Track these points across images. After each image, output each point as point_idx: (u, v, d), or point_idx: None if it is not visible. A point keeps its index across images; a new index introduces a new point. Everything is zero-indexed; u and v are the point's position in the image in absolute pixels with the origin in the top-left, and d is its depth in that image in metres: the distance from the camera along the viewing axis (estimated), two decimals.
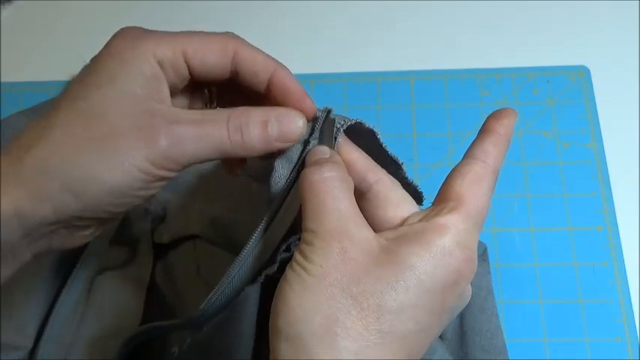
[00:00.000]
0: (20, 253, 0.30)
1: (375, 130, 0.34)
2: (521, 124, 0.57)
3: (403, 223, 0.31)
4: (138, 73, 0.30)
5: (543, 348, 0.49)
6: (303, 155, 0.32)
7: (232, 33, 0.33)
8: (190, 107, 0.35)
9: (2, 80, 0.63)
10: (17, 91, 0.62)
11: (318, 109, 0.34)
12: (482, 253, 0.48)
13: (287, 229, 0.34)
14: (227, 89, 0.34)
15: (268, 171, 0.33)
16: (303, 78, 0.62)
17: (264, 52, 0.34)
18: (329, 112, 0.34)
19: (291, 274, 0.28)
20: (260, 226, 0.33)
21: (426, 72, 0.61)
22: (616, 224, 0.53)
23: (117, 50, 0.30)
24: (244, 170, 0.38)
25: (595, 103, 0.58)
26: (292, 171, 0.33)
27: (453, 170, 0.32)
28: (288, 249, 0.34)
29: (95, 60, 0.31)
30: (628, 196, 0.54)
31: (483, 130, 0.33)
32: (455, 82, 0.60)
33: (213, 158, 0.31)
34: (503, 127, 0.32)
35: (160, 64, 0.30)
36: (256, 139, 0.31)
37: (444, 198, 0.31)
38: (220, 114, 0.30)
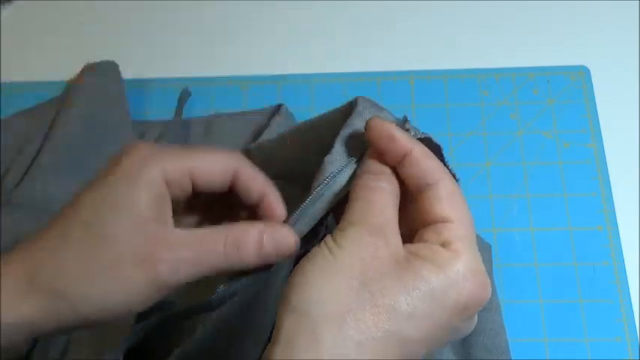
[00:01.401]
0: (19, 349, 0.34)
1: (441, 145, 0.35)
2: (521, 124, 0.57)
3: (425, 238, 0.32)
4: (147, 195, 0.31)
5: (543, 348, 0.49)
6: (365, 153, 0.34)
7: (237, 153, 0.36)
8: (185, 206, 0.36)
9: (2, 80, 0.63)
10: (17, 91, 0.62)
11: (397, 119, 0.36)
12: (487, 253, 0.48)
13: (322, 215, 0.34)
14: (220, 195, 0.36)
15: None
16: (303, 78, 0.62)
17: (261, 174, 0.35)
18: (406, 121, 0.35)
19: (319, 253, 0.29)
20: (305, 203, 0.34)
21: (426, 72, 0.61)
22: (616, 224, 0.53)
23: (128, 171, 0.32)
24: None
25: (595, 103, 0.58)
26: (344, 167, 0.34)
27: (423, 195, 0.32)
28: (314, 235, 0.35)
29: (106, 178, 0.32)
30: (628, 196, 0.54)
31: (396, 161, 0.32)
32: (455, 82, 0.60)
33: (208, 275, 0.32)
34: (402, 141, 0.32)
35: (168, 184, 0.32)
36: (252, 254, 0.32)
37: (428, 218, 0.31)
38: (218, 233, 0.32)
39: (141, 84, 0.62)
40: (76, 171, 0.55)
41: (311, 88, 0.61)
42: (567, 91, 0.59)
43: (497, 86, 0.59)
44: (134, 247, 0.30)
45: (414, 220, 0.32)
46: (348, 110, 0.37)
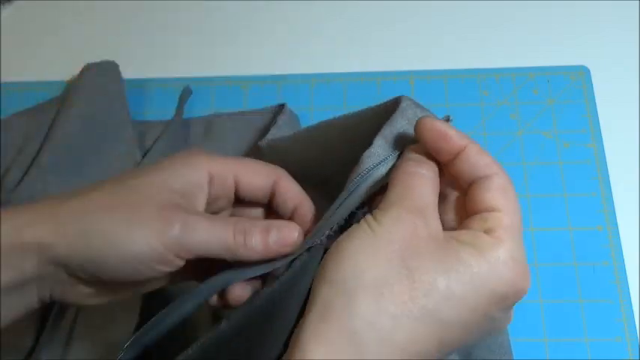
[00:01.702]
0: (25, 295, 0.33)
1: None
2: (521, 124, 0.57)
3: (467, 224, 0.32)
4: (185, 177, 0.35)
5: (543, 348, 0.49)
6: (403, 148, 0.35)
7: (277, 167, 0.38)
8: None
9: (2, 80, 0.63)
10: (17, 91, 0.62)
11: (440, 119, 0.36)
12: None
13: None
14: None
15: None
16: (303, 78, 0.62)
17: (299, 186, 0.38)
18: (449, 120, 0.36)
19: (357, 230, 0.30)
20: (342, 194, 0.34)
21: (426, 72, 0.61)
22: (616, 224, 0.53)
23: (178, 157, 0.36)
24: None
25: (595, 103, 0.58)
26: (384, 161, 0.35)
27: (474, 185, 0.32)
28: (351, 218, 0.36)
29: (156, 161, 0.37)
30: (628, 196, 0.54)
31: (454, 155, 0.33)
32: (455, 82, 0.60)
33: (218, 254, 0.34)
34: (456, 139, 0.32)
35: (210, 178, 0.36)
36: (257, 243, 0.34)
37: (477, 208, 0.31)
38: (230, 219, 0.35)
39: (141, 84, 0.62)
40: (76, 171, 0.55)
41: (311, 88, 0.61)
42: (567, 91, 0.59)
43: (497, 86, 0.59)
44: (158, 202, 0.33)
45: (457, 215, 0.33)
46: (386, 109, 0.37)
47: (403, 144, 0.35)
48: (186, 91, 0.60)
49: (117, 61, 0.60)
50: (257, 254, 0.34)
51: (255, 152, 0.52)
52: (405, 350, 0.28)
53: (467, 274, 0.29)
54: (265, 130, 0.58)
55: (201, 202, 0.36)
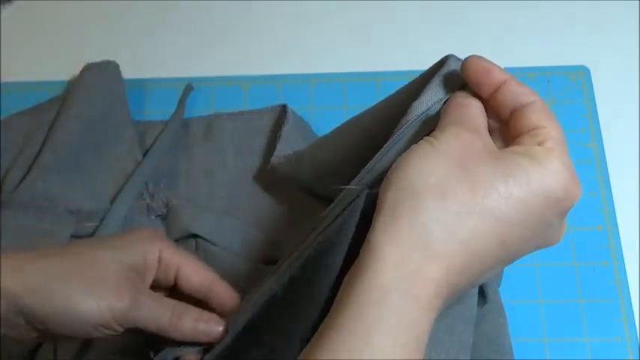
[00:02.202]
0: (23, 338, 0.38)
1: None
2: None
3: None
4: (142, 256, 0.40)
5: (543, 348, 0.49)
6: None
7: (214, 272, 0.43)
8: None
9: (2, 80, 0.63)
10: (17, 91, 0.62)
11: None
12: None
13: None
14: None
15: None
16: (303, 78, 0.62)
17: (233, 291, 0.43)
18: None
19: (417, 146, 0.32)
20: (388, 143, 0.36)
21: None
22: (616, 224, 0.53)
23: (139, 233, 0.42)
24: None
25: (595, 103, 0.58)
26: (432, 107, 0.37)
27: (518, 112, 0.34)
28: None
29: (112, 235, 0.43)
30: (628, 196, 0.54)
31: (494, 88, 0.35)
32: None
33: (152, 330, 0.39)
34: (498, 72, 0.35)
35: (160, 263, 0.41)
36: (188, 329, 0.40)
37: (524, 128, 0.34)
38: (169, 301, 0.41)
39: (141, 84, 0.62)
40: (77, 170, 0.55)
41: (311, 88, 0.61)
42: (567, 91, 0.59)
43: None
44: (113, 278, 0.38)
45: (503, 142, 0.35)
46: (424, 79, 0.40)
47: (450, 90, 0.37)
48: (188, 87, 0.60)
49: (117, 61, 0.60)
50: (185, 338, 0.40)
51: (270, 171, 0.54)
52: (469, 245, 0.30)
53: (523, 177, 0.31)
54: (265, 130, 0.58)
55: (148, 281, 0.41)
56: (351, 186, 0.37)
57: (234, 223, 0.53)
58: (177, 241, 0.53)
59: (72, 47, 0.65)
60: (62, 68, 0.63)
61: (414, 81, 0.42)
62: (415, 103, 0.37)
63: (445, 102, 0.36)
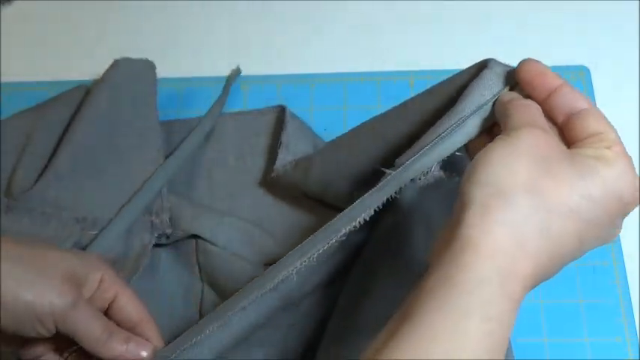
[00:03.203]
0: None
1: None
2: None
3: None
4: (87, 270, 0.42)
5: (543, 348, 0.49)
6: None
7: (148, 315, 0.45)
8: None
9: (2, 80, 0.63)
10: (17, 91, 0.62)
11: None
12: None
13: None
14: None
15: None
16: (304, 78, 0.62)
17: (157, 331, 0.44)
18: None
19: (496, 144, 0.33)
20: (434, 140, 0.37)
21: (426, 72, 0.61)
22: None
23: (91, 255, 0.46)
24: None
25: (595, 103, 0.58)
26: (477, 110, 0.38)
27: (575, 117, 0.35)
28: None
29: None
30: None
31: (549, 93, 0.36)
32: None
33: (81, 339, 0.40)
34: (553, 77, 0.36)
35: (101, 282, 0.42)
36: (116, 346, 0.41)
37: (584, 133, 0.35)
38: (103, 320, 0.41)
39: None
40: (94, 177, 0.53)
41: (311, 88, 0.61)
42: None
43: None
44: (61, 275, 0.39)
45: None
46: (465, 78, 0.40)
47: (497, 91, 0.38)
48: (234, 71, 0.60)
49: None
50: (111, 356, 0.41)
51: (274, 180, 0.54)
52: (555, 243, 0.31)
53: (599, 178, 0.32)
54: (266, 130, 0.58)
55: (87, 294, 0.42)
56: (394, 171, 0.38)
57: (234, 223, 0.53)
58: (177, 241, 0.53)
59: (72, 47, 0.65)
60: (62, 68, 0.63)
61: (447, 82, 0.43)
62: (462, 104, 0.38)
63: (494, 103, 0.37)
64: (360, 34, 0.64)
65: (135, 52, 0.60)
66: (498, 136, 0.34)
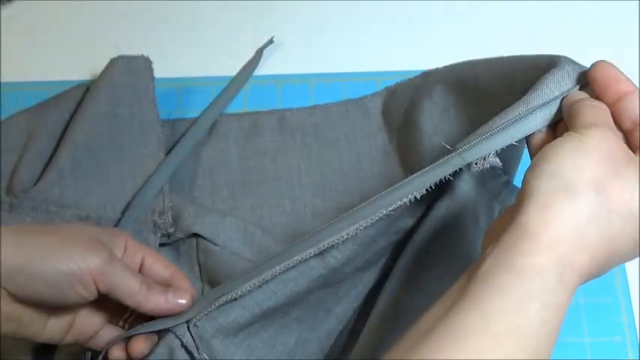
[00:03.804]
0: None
1: None
2: None
3: None
4: (110, 235, 0.42)
5: None
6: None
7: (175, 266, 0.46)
8: None
9: (2, 80, 0.63)
10: (17, 91, 0.62)
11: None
12: None
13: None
14: None
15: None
16: (303, 78, 0.62)
17: (190, 283, 0.45)
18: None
19: (566, 139, 0.33)
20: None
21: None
22: None
23: (108, 228, 0.49)
24: None
25: None
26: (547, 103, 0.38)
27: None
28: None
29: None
30: None
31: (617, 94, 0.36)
32: None
33: (122, 297, 0.40)
34: (626, 82, 0.36)
35: (126, 248, 0.43)
36: (156, 297, 0.41)
37: None
38: (139, 275, 0.42)
39: None
40: (96, 176, 0.53)
41: (311, 88, 0.61)
42: None
43: None
44: (88, 238, 0.40)
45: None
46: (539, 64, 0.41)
47: (568, 89, 0.38)
48: (267, 42, 0.62)
49: None
50: (154, 306, 0.41)
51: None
52: (613, 243, 0.32)
53: None
54: (268, 131, 0.58)
55: (118, 254, 0.43)
56: (459, 153, 0.38)
57: (235, 223, 0.53)
58: (178, 240, 0.53)
59: (72, 47, 0.65)
60: (62, 68, 0.63)
61: (507, 60, 0.46)
62: (529, 97, 0.38)
63: (562, 100, 0.38)
64: (359, 34, 0.64)
65: (135, 52, 0.60)
66: (568, 132, 0.34)
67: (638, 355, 0.48)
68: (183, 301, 0.42)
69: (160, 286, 0.42)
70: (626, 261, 0.34)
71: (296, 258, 0.40)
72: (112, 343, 0.42)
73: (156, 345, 0.42)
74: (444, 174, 0.38)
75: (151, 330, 0.42)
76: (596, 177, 0.32)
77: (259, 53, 0.61)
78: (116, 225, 0.52)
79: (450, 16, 0.65)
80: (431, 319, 0.31)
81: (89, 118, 0.54)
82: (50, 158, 0.54)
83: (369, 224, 0.39)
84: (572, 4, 0.64)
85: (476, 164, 0.38)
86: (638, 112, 0.35)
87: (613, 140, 0.33)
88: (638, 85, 0.55)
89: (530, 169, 0.33)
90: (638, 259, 0.51)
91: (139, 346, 0.41)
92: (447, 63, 0.61)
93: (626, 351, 0.48)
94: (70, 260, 0.38)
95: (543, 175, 0.32)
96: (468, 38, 0.63)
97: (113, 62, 0.58)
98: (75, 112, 0.56)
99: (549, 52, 0.61)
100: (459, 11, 0.65)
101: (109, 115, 0.55)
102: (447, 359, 0.29)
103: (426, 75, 0.55)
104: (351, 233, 0.39)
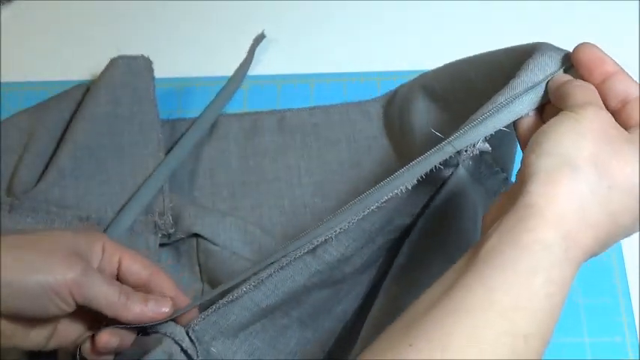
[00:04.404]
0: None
1: None
2: None
3: None
4: (86, 243, 0.42)
5: None
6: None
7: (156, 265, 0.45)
8: None
9: (2, 80, 0.63)
10: (17, 91, 0.62)
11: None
12: None
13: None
14: None
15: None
16: (303, 78, 0.62)
17: (173, 282, 0.45)
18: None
19: (562, 118, 0.34)
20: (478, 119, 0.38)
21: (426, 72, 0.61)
22: None
23: (85, 229, 0.47)
24: None
25: None
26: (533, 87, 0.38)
27: (631, 103, 0.35)
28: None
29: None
30: None
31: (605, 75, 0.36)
32: None
33: (100, 307, 0.40)
34: (610, 62, 0.36)
35: (103, 251, 0.43)
36: (136, 307, 0.41)
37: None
38: (117, 283, 0.42)
39: None
40: (97, 176, 0.53)
41: (311, 88, 0.61)
42: None
43: None
44: (65, 250, 0.40)
45: None
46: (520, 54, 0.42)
47: (551, 72, 0.39)
48: (259, 37, 0.62)
49: None
50: (133, 317, 0.41)
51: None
52: (614, 219, 0.32)
53: None
54: (268, 131, 0.58)
55: (95, 264, 0.42)
56: (450, 144, 0.38)
57: (236, 223, 0.53)
58: (178, 240, 0.53)
59: (72, 47, 0.65)
60: (62, 68, 0.63)
61: (494, 54, 0.46)
62: (514, 82, 0.38)
63: (547, 83, 0.38)
64: (360, 34, 0.64)
65: (135, 52, 0.60)
66: (563, 112, 0.34)
67: (638, 355, 0.48)
68: (165, 309, 0.42)
69: (140, 294, 0.42)
70: (627, 235, 0.35)
71: (290, 256, 0.40)
72: (83, 341, 0.42)
73: (151, 351, 0.41)
74: (434, 163, 0.38)
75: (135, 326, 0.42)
76: (594, 154, 0.32)
77: (253, 49, 0.61)
78: (111, 225, 0.52)
79: (450, 16, 0.65)
80: (430, 297, 0.31)
81: (89, 118, 0.54)
82: (50, 158, 0.54)
83: (360, 217, 0.39)
84: (572, 4, 0.64)
85: (466, 151, 0.38)
86: (623, 90, 0.36)
87: (606, 118, 0.34)
88: (638, 86, 0.55)
89: (530, 149, 0.34)
90: (638, 259, 0.51)
91: (104, 338, 0.41)
92: (446, 62, 0.61)
93: (626, 351, 0.48)
94: (47, 274, 0.38)
95: (543, 153, 0.33)
96: (468, 38, 0.63)
97: (113, 62, 0.58)
98: (75, 112, 0.56)
99: None
100: (459, 11, 0.65)
101: (109, 115, 0.55)
102: (448, 333, 0.29)
103: (422, 77, 0.55)
104: (343, 227, 0.39)
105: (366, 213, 0.39)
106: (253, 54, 0.61)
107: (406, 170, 0.38)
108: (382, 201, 0.38)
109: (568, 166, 0.32)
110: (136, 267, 0.43)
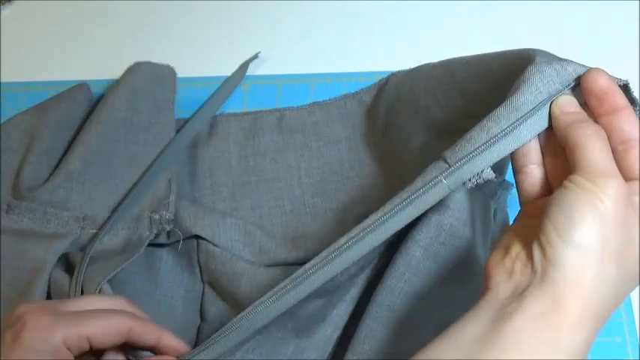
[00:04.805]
0: None
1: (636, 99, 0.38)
2: None
3: None
4: (44, 352, 0.37)
5: None
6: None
7: (125, 311, 0.42)
8: None
9: (2, 80, 0.63)
10: (17, 91, 0.62)
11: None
12: None
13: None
14: None
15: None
16: (303, 78, 0.62)
17: (152, 323, 0.42)
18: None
19: (582, 192, 0.32)
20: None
21: None
22: None
23: (34, 344, 0.37)
24: None
25: None
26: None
27: (630, 150, 0.35)
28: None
29: (12, 351, 0.37)
30: None
31: (608, 112, 0.35)
32: None
33: None
34: (621, 97, 0.36)
35: (69, 348, 0.38)
36: None
37: (629, 171, 0.34)
38: None
39: None
40: (106, 181, 0.52)
41: (311, 88, 0.61)
42: None
43: None
44: (47, 353, 0.36)
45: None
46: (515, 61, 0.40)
47: (556, 92, 0.37)
48: (252, 57, 0.61)
49: (116, 61, 0.59)
50: None
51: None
52: (616, 305, 0.34)
53: None
54: (268, 131, 0.58)
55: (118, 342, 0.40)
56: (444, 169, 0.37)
57: (236, 224, 0.53)
58: (178, 241, 0.53)
59: (72, 47, 0.65)
60: (62, 68, 0.63)
61: (483, 59, 0.45)
62: (520, 100, 0.37)
63: (551, 103, 0.36)
64: (359, 34, 0.64)
65: (134, 52, 0.60)
66: (583, 181, 0.33)
67: (638, 355, 0.48)
68: None
69: None
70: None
71: (281, 307, 0.39)
72: None
73: None
74: (436, 199, 0.37)
75: None
76: (615, 248, 0.32)
77: (244, 67, 0.61)
78: (106, 224, 0.51)
79: (450, 16, 0.65)
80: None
81: (104, 121, 0.53)
82: (60, 159, 0.53)
83: (349, 265, 0.38)
84: (572, 4, 0.64)
85: (470, 180, 0.37)
86: (630, 133, 0.34)
87: (624, 194, 0.33)
88: (638, 85, 0.55)
89: (554, 228, 0.32)
90: None
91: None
92: None
93: (626, 351, 0.48)
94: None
95: (571, 244, 0.32)
96: (467, 38, 0.63)
97: (137, 67, 0.56)
98: (90, 113, 0.55)
99: (549, 51, 0.61)
100: (459, 11, 0.65)
101: (126, 122, 0.54)
102: None
103: (415, 69, 0.55)
104: (332, 275, 0.38)
105: (349, 264, 0.38)
106: (246, 70, 0.60)
107: (400, 210, 0.37)
108: (369, 249, 0.38)
109: (594, 267, 0.32)
110: (108, 339, 0.40)
